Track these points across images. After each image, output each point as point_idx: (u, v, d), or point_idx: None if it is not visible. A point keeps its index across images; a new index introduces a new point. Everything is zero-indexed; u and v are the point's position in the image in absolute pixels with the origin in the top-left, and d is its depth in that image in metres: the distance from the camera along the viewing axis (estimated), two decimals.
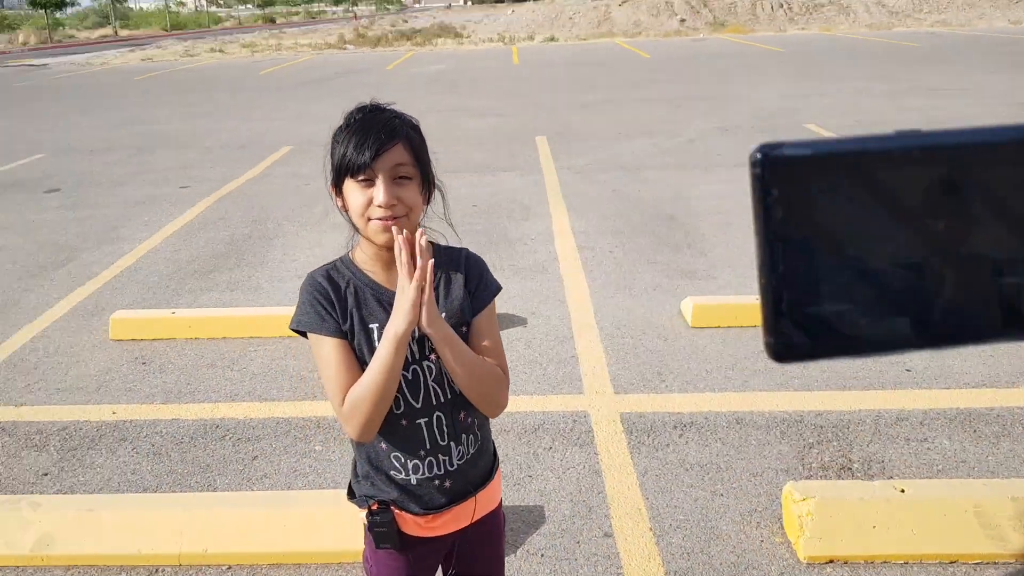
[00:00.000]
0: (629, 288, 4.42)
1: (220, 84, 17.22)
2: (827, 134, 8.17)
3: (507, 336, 3.82)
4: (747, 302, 3.92)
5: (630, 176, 6.91)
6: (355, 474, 1.50)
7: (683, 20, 28.29)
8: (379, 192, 1.30)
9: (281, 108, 12.55)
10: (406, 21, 38.03)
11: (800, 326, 0.40)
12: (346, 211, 1.37)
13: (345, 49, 27.23)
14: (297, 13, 70.08)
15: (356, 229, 1.38)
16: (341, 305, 1.37)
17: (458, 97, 13.04)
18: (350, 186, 1.33)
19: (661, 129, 9.04)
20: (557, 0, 36.21)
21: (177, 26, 58.95)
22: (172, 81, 18.51)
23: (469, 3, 45.58)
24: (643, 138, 8.57)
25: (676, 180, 6.67)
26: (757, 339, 3.70)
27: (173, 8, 62.50)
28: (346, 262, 1.42)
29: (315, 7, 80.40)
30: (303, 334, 1.39)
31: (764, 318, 0.41)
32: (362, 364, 1.35)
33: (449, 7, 43.31)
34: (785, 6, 29.26)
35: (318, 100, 13.38)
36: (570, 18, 30.14)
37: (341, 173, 1.34)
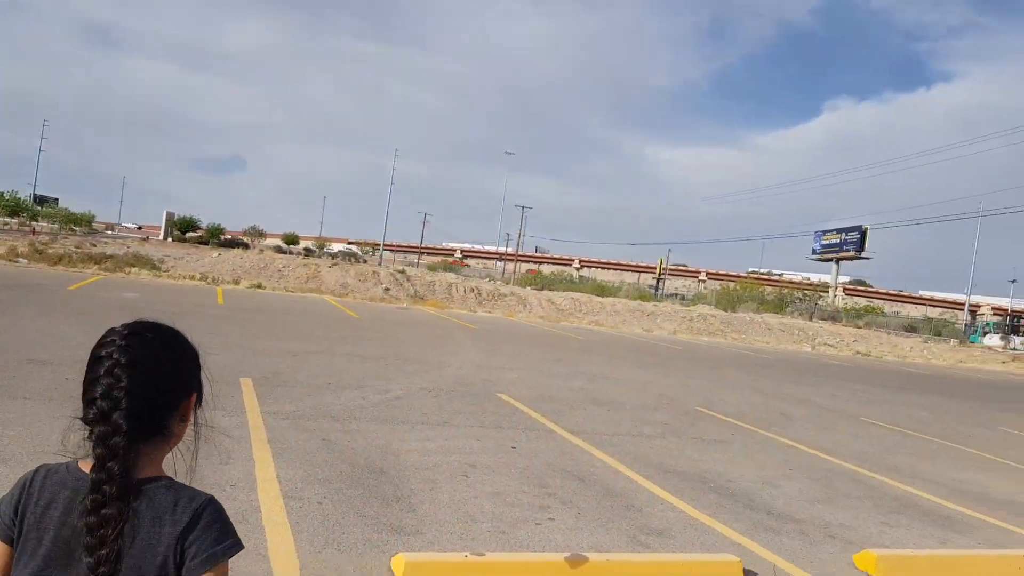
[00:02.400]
0: (338, 543, 4.26)
1: None
2: (517, 404, 9.08)
3: None
4: (458, 560, 4.00)
5: (340, 426, 6.91)
6: None
7: (387, 289, 30.44)
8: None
9: None
10: (94, 245, 35.54)
11: None
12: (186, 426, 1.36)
13: (16, 263, 24.43)
14: None
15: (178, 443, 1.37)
16: None
17: None
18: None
19: (369, 384, 9.31)
20: (266, 252, 36.97)
21: None
22: None
23: (169, 239, 44.35)
24: (353, 391, 8.73)
25: (385, 434, 6.81)
26: None
27: None
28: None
29: None
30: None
31: None
32: None
33: (147, 239, 41.51)
34: (475, 291, 33.12)
35: None
36: (279, 270, 30.77)
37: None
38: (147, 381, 1.28)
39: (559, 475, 6.18)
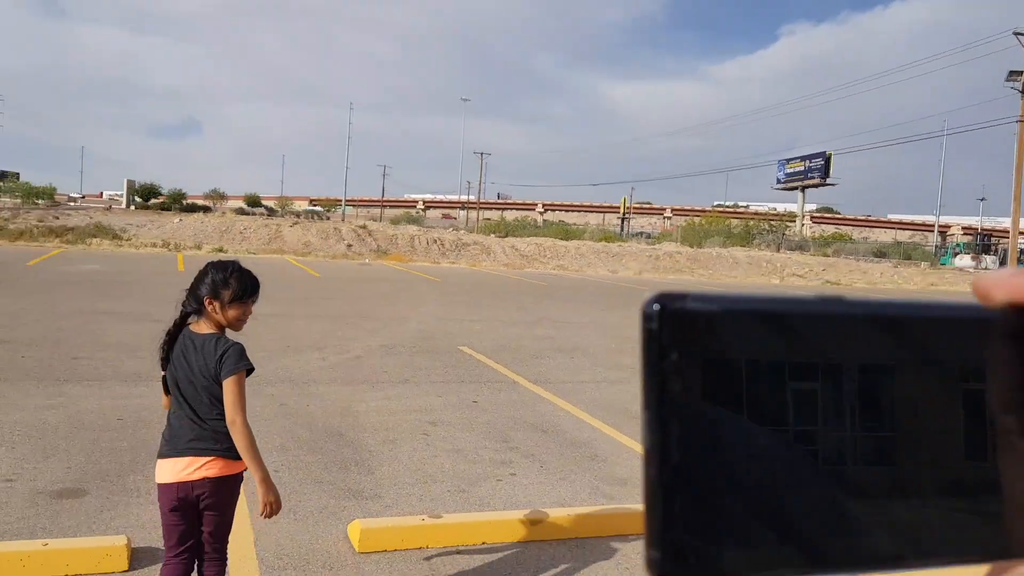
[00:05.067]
0: (294, 511, 4.20)
1: None
2: (479, 356, 9.04)
3: (150, 573, 3.36)
4: (414, 523, 3.97)
5: (298, 390, 6.82)
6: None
7: (350, 245, 30.05)
8: (248, 311, 2.72)
9: None
10: (57, 218, 34.45)
11: (699, 536, 0.31)
12: (219, 314, 2.65)
13: None
14: None
15: (229, 324, 2.69)
16: None
17: (111, 300, 11.94)
18: (238, 305, 2.65)
19: (329, 345, 9.19)
20: (228, 215, 36.16)
21: None
22: None
23: (132, 207, 43.15)
24: (312, 352, 8.61)
25: (344, 395, 6.74)
26: (422, 561, 3.73)
27: None
28: (223, 334, 2.71)
29: None
30: (249, 373, 2.66)
31: (649, 524, 0.30)
32: None
33: (109, 208, 40.35)
34: (438, 242, 32.85)
35: None
36: (241, 232, 30.17)
37: (239, 298, 2.64)
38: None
39: (522, 428, 6.17)
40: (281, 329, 10.16)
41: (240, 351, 2.63)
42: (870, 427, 0.33)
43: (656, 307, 0.31)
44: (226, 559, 2.88)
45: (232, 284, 2.62)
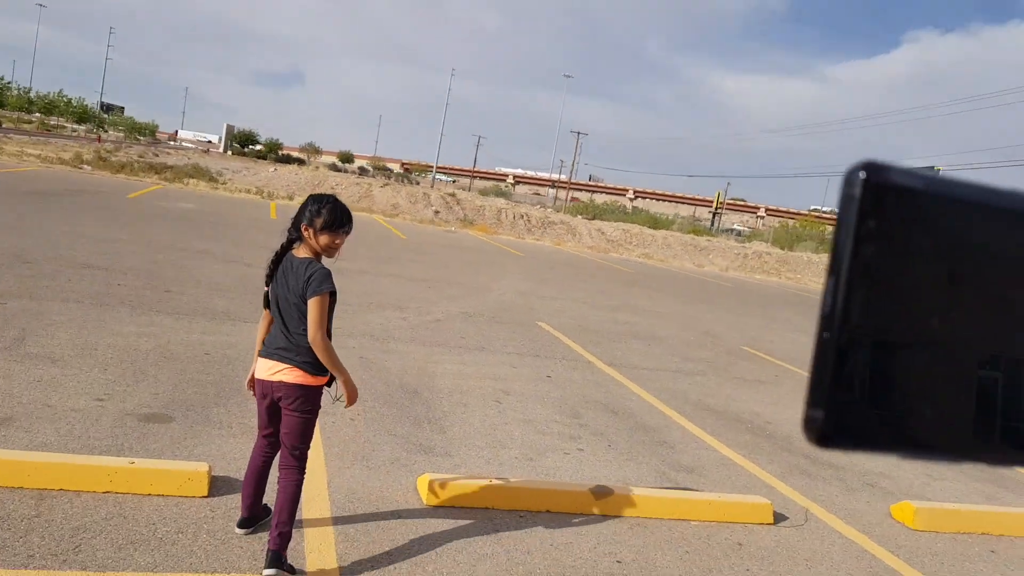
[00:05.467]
0: (367, 460, 4.31)
1: None
2: (556, 334, 9.02)
3: (228, 501, 3.50)
4: (480, 483, 4.01)
5: (378, 345, 6.97)
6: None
7: (437, 212, 30.42)
8: (342, 241, 3.06)
9: None
10: (156, 155, 36.20)
11: (862, 402, 0.29)
12: (313, 240, 2.98)
13: (81, 169, 25.06)
14: (31, 122, 62.61)
15: (321, 250, 3.02)
16: None
17: (204, 240, 12.47)
18: (328, 234, 2.97)
19: (411, 306, 9.35)
20: (321, 169, 37.21)
21: None
22: None
23: (229, 152, 44.91)
24: (393, 311, 8.78)
25: (422, 355, 6.85)
26: (486, 520, 3.76)
27: None
28: (318, 260, 3.02)
29: (53, 120, 72.74)
30: (331, 295, 2.96)
31: (815, 384, 0.29)
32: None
33: (207, 152, 42.18)
34: (524, 218, 32.84)
35: (38, 214, 11.98)
36: (332, 187, 30.95)
37: (329, 227, 2.97)
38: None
39: (592, 407, 6.14)
40: (366, 285, 10.40)
41: (325, 275, 2.95)
42: None
43: (861, 174, 0.30)
44: (303, 471, 3.14)
45: (324, 214, 2.96)
